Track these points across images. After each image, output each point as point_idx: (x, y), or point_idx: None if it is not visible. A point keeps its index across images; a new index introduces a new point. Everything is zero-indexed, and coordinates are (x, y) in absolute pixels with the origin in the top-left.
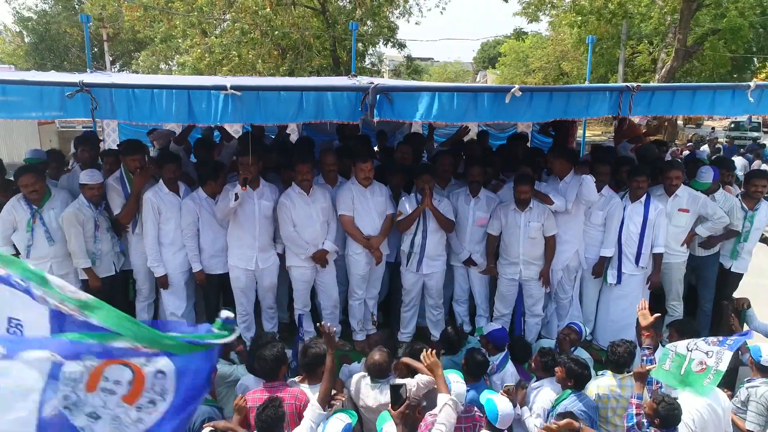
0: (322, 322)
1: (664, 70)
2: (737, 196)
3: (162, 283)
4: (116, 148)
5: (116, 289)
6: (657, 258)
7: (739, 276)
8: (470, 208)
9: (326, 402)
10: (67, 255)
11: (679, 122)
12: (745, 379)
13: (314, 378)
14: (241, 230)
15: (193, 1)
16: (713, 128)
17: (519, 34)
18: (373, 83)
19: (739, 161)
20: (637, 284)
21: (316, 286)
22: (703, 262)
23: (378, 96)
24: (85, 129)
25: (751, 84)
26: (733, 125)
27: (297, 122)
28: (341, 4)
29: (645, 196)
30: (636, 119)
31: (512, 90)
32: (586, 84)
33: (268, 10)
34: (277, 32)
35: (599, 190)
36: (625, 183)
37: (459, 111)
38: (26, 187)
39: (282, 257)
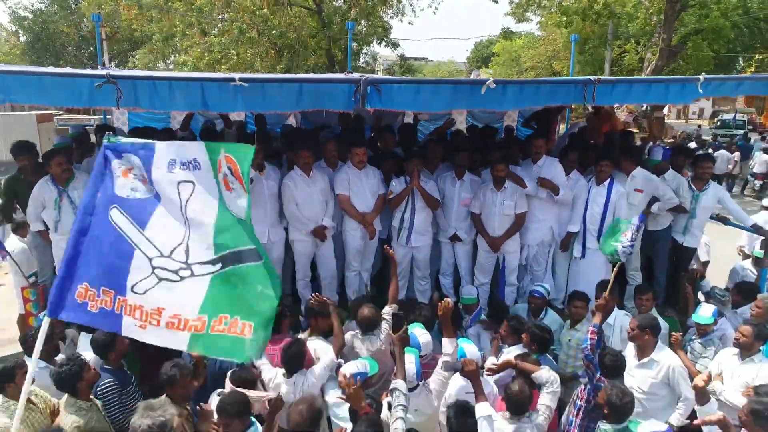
0: (313, 294)
1: (649, 69)
2: (687, 180)
3: None
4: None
5: None
6: None
7: (692, 250)
8: (456, 190)
9: (339, 354)
10: None
11: (668, 120)
12: (692, 334)
13: (317, 328)
14: (254, 209)
15: (192, 1)
16: (699, 126)
17: (507, 34)
18: (364, 76)
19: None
20: (601, 258)
21: (316, 259)
22: (656, 236)
23: (369, 87)
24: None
25: (701, 77)
26: (719, 123)
27: (297, 110)
28: (336, 4)
29: (609, 180)
30: (622, 117)
31: (487, 82)
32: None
33: (265, 10)
34: (274, 32)
35: (568, 174)
36: (589, 165)
37: (441, 100)
38: (60, 166)
39: (287, 231)
